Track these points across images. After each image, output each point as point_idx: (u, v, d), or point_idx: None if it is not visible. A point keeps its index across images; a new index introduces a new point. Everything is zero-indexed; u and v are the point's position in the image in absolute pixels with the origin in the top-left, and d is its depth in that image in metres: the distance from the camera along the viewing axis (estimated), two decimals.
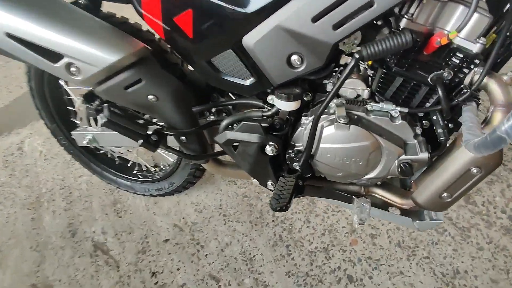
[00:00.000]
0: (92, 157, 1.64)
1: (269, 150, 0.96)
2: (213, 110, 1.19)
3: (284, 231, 1.52)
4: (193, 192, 1.73)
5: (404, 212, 1.06)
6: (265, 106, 1.01)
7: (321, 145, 0.91)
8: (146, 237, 1.58)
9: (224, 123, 1.03)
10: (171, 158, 1.53)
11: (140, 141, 0.91)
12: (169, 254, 1.50)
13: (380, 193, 1.06)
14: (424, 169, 0.98)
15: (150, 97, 0.89)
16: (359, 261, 1.38)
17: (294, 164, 1.00)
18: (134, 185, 1.66)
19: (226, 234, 1.54)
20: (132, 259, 1.51)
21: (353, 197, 0.99)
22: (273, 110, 0.98)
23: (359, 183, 1.05)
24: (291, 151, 0.99)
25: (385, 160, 0.89)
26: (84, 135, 1.29)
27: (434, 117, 0.88)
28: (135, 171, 1.68)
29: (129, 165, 1.69)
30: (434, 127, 0.88)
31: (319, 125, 0.90)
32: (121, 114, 0.91)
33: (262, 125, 0.94)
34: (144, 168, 1.67)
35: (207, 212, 1.64)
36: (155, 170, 1.65)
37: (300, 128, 0.96)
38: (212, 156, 1.09)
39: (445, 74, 0.79)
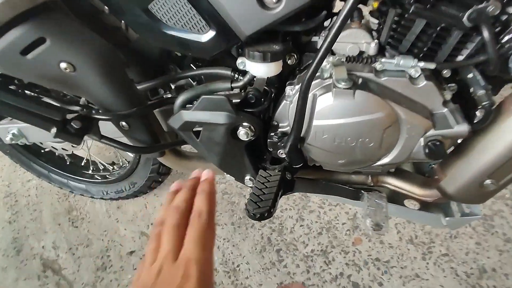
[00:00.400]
0: (35, 156, 1.34)
1: (243, 133, 0.69)
2: (173, 87, 0.91)
3: (273, 233, 1.26)
4: (162, 191, 1.46)
5: (424, 207, 0.81)
6: (236, 76, 0.74)
7: (314, 123, 0.64)
8: (107, 250, 1.30)
9: (179, 100, 0.75)
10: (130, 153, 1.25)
11: (54, 130, 0.63)
12: (135, 269, 1.23)
13: (393, 182, 0.81)
14: (451, 148, 0.73)
15: (62, 65, 0.61)
16: (365, 264, 1.14)
17: (279, 151, 0.73)
18: (89, 187, 1.38)
19: None
20: (90, 278, 1.23)
21: (362, 191, 0.74)
22: (246, 79, 0.71)
23: (365, 172, 0.79)
24: (273, 134, 0.72)
25: (406, 139, 0.62)
26: (8, 128, 0.99)
27: (470, 75, 0.62)
28: (90, 171, 1.39)
29: (82, 164, 1.40)
30: (471, 90, 0.62)
31: (310, 94, 0.63)
32: (21, 93, 0.62)
33: (231, 99, 0.66)
34: (101, 167, 1.39)
35: None
36: (113, 169, 1.36)
37: (284, 102, 0.69)
38: (168, 146, 0.81)
39: (490, 8, 0.52)
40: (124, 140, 0.78)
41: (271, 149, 0.74)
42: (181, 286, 0.36)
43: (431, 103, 0.61)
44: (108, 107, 0.70)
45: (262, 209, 0.59)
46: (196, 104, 0.69)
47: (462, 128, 0.59)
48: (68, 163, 1.38)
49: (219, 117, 0.68)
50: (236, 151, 0.74)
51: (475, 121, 0.61)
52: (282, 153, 0.73)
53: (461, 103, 0.63)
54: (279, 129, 0.73)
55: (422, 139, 0.62)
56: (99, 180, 1.35)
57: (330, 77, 0.62)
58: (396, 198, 0.84)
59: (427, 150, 0.62)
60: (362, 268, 1.13)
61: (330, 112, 0.62)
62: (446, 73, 0.64)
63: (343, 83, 0.59)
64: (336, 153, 0.67)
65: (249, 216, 0.60)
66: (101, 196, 1.38)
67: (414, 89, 0.60)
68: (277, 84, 0.76)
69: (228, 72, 0.76)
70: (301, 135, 0.67)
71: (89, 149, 1.30)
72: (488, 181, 0.64)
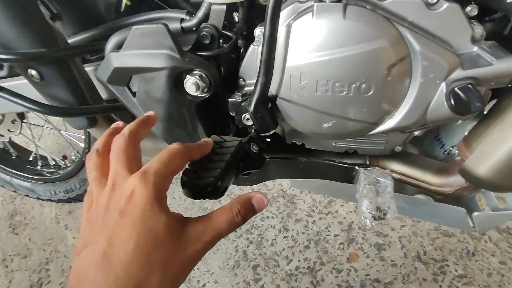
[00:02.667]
0: None
1: (191, 84, 0.50)
2: None
3: (250, 245, 1.03)
4: None
5: (441, 201, 0.60)
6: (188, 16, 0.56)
7: (288, 63, 0.45)
8: (47, 263, 1.06)
9: (110, 43, 0.56)
10: (80, 141, 1.04)
11: None
12: None
13: (399, 169, 0.60)
14: (476, 121, 0.53)
15: None
16: (363, 286, 0.91)
17: (244, 116, 0.53)
18: (35, 187, 1.15)
19: None
20: None
21: (357, 167, 0.53)
22: (200, 13, 0.53)
23: (362, 152, 0.59)
24: (239, 93, 0.53)
25: (421, 84, 0.43)
26: None
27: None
28: (39, 167, 1.17)
29: (31, 159, 1.19)
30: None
31: (283, 24, 0.44)
32: None
33: (171, 30, 0.47)
34: (52, 163, 1.17)
35: None
36: (65, 164, 1.15)
37: (252, 47, 0.50)
38: (99, 111, 0.61)
39: None
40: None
41: (234, 114, 0.54)
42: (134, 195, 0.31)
43: (455, 37, 0.42)
44: (7, 44, 0.51)
45: (203, 180, 0.38)
46: (127, 40, 0.49)
47: (508, 63, 0.40)
48: (13, 157, 1.17)
49: (156, 58, 0.48)
50: (185, 114, 0.54)
51: None
52: (248, 119, 0.53)
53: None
54: (246, 87, 0.54)
55: (444, 85, 0.43)
56: (46, 177, 1.13)
57: None
58: (403, 190, 0.63)
59: (452, 101, 0.42)
60: None
61: (310, 42, 0.43)
62: (471, 10, 0.45)
63: None
64: (319, 110, 0.47)
65: (184, 193, 0.39)
66: (49, 197, 1.16)
67: (432, 15, 0.42)
68: (247, 31, 0.57)
69: (182, 15, 0.57)
70: (272, 87, 0.47)
71: (34, 139, 1.09)
72: None
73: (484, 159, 0.49)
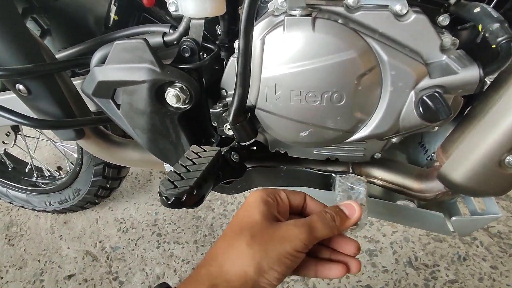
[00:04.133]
0: None
1: (172, 96, 0.51)
2: None
3: None
4: (119, 204, 1.25)
5: (422, 207, 0.61)
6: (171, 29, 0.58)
7: (263, 74, 0.47)
8: (41, 273, 1.07)
9: (95, 57, 0.58)
10: (75, 152, 1.06)
11: None
12: None
13: (381, 175, 0.61)
14: (452, 128, 0.54)
15: None
16: None
17: (225, 126, 0.55)
18: (31, 198, 1.17)
19: (158, 262, 1.05)
20: None
21: (334, 175, 0.54)
22: (180, 27, 0.55)
23: (343, 159, 0.60)
24: (220, 104, 0.55)
25: (391, 93, 0.44)
26: None
27: (477, 9, 0.45)
28: (34, 178, 1.19)
29: (26, 170, 1.20)
30: (480, 28, 0.45)
31: (258, 37, 0.46)
32: None
33: (150, 43, 0.49)
34: (47, 174, 1.19)
35: (136, 231, 1.15)
36: (59, 175, 1.17)
37: (232, 59, 0.52)
38: (86, 123, 0.62)
39: None
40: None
41: (216, 124, 0.55)
42: None
43: (424, 46, 0.44)
44: None
45: (179, 189, 0.39)
46: (109, 55, 0.51)
47: (472, 72, 0.41)
48: (9, 168, 1.19)
49: (138, 72, 0.50)
50: (168, 125, 0.56)
51: (487, 67, 0.43)
52: (229, 129, 0.55)
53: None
54: (227, 98, 0.55)
55: (413, 93, 0.44)
56: (41, 188, 1.14)
57: (282, 9, 0.45)
58: (386, 197, 0.64)
59: (420, 109, 0.44)
60: None
61: (282, 54, 0.44)
62: (443, 20, 0.47)
63: (298, 10, 0.42)
64: (295, 119, 0.48)
65: (161, 202, 0.40)
66: (44, 208, 1.17)
67: (400, 26, 0.43)
68: (228, 43, 0.59)
69: (165, 29, 0.59)
70: (250, 97, 0.49)
71: (29, 150, 1.11)
72: (509, 157, 0.45)
73: (459, 164, 0.50)
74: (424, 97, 0.43)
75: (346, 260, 0.40)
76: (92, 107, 0.68)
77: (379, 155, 0.58)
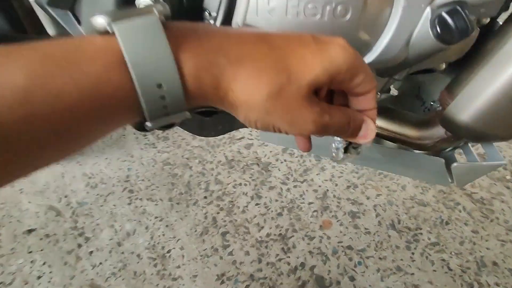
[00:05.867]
0: None
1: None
2: None
3: (220, 212, 0.98)
4: (88, 159, 1.15)
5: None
6: None
7: None
8: None
9: None
10: None
11: None
12: (30, 252, 0.91)
13: (377, 122, 0.55)
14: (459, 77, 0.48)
15: None
16: (335, 253, 0.88)
17: None
18: None
19: (129, 218, 0.98)
20: None
21: None
22: None
23: None
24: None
25: (404, 8, 0.37)
26: None
27: None
28: None
29: None
30: None
31: None
32: None
33: None
34: None
35: (105, 187, 1.07)
36: None
37: None
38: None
39: None
40: None
41: None
42: None
43: None
44: None
45: None
46: None
47: None
48: None
49: None
50: None
51: None
52: None
53: None
54: (211, 21, 0.47)
55: (429, 10, 0.37)
56: None
57: None
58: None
59: (437, 28, 0.37)
60: (329, 257, 0.87)
61: None
62: None
63: None
64: None
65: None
66: None
67: None
68: None
69: None
70: (237, 13, 0.41)
71: None
72: None
73: (467, 104, 0.44)
74: (443, 14, 0.36)
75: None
76: (50, 30, 0.58)
77: (378, 96, 0.52)
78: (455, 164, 0.49)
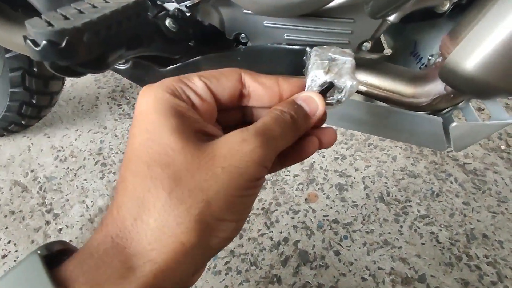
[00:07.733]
0: None
1: None
2: None
3: None
4: (57, 131, 1.07)
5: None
6: None
7: None
8: None
9: None
10: None
11: None
12: None
13: (366, 79, 0.49)
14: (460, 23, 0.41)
15: None
16: (320, 227, 0.83)
17: None
18: None
19: (102, 193, 0.91)
20: None
21: (308, 48, 0.41)
22: None
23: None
24: None
25: None
26: None
27: None
28: None
29: None
30: None
31: None
32: None
33: None
34: None
35: (76, 160, 0.99)
36: None
37: None
38: None
39: None
40: None
41: None
42: None
43: None
44: None
45: (55, 28, 0.24)
46: None
47: None
48: None
49: None
50: None
51: None
52: None
53: None
54: None
55: None
56: None
57: None
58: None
59: None
60: (314, 232, 0.82)
61: None
62: None
63: None
64: None
65: (29, 51, 0.24)
66: None
67: None
68: None
69: None
70: None
71: None
72: None
73: (472, 50, 0.37)
74: None
75: (316, 134, 0.27)
76: None
77: (368, 45, 0.45)
78: (454, 123, 0.43)
